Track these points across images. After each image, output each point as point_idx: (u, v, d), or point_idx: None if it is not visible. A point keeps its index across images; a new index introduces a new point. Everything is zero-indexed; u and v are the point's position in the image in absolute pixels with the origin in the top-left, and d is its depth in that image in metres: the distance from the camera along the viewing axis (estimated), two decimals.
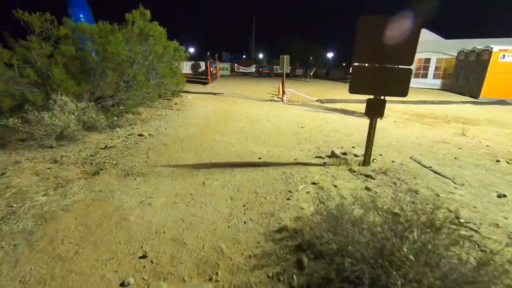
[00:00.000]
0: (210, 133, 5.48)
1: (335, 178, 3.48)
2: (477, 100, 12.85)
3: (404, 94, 3.69)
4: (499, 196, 3.17)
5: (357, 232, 1.73)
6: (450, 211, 2.78)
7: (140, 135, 5.20)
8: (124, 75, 6.41)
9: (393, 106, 9.69)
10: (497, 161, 4.34)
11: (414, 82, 18.19)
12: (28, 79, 5.09)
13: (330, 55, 37.12)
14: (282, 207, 2.80)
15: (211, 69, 15.33)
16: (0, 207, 2.67)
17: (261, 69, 25.47)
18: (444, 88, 17.18)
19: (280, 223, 2.50)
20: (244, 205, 2.84)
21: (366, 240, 1.67)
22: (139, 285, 1.82)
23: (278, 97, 11.57)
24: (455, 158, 4.47)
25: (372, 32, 3.51)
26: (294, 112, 8.12)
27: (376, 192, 3.19)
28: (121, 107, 6.61)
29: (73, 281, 1.84)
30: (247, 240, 2.28)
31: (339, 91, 14.55)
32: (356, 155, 4.35)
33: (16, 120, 4.50)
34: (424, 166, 4.06)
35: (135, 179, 3.39)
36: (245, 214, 2.68)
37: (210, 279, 1.88)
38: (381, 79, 3.65)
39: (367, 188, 3.24)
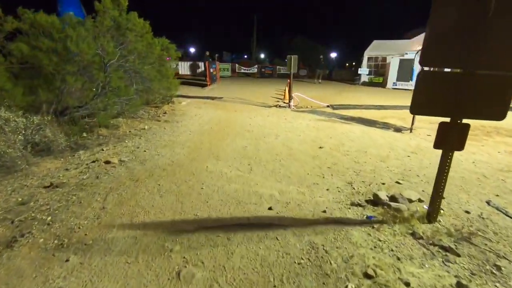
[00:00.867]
0: (201, 158, 4.08)
1: (398, 259, 2.07)
2: None
3: (501, 116, 2.27)
4: None
5: None
6: None
7: (107, 162, 3.81)
8: (96, 81, 5.03)
9: (405, 112, 8.28)
10: None
11: None
12: None
13: (333, 55, 35.72)
14: None
15: (211, 70, 13.92)
16: None
17: (263, 70, 24.05)
18: None
19: None
20: None
21: None
22: None
23: (284, 102, 10.17)
24: None
25: (459, 12, 2.10)
26: (305, 122, 6.71)
27: None
28: (94, 119, 5.23)
29: None
30: None
31: (349, 94, 13.11)
32: (410, 200, 2.94)
33: None
34: None
35: (67, 260, 2.00)
36: None
37: None
38: (465, 92, 2.25)
39: (460, 286, 1.83)
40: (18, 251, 2.09)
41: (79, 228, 2.38)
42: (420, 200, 2.98)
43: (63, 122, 4.96)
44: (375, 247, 2.20)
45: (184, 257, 2.04)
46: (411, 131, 6.31)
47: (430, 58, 2.32)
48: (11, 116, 3.80)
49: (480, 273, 1.97)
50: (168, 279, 1.84)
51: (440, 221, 2.59)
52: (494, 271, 1.98)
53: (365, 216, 2.66)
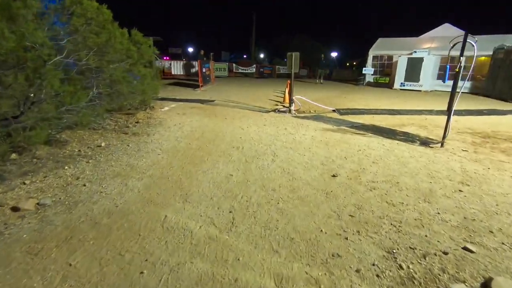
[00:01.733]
0: (161, 199, 2.72)
1: None
2: None
3: None
4: None
5: None
6: None
7: (16, 208, 2.45)
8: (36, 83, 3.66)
9: (434, 119, 6.91)
10: None
11: (438, 85, 15.34)
12: None
13: (334, 54, 34.37)
14: None
15: (203, 70, 12.54)
16: None
17: (261, 70, 22.65)
18: (475, 91, 14.33)
19: None
20: None
21: None
22: None
23: (284, 106, 8.81)
24: None
25: None
26: (310, 133, 5.34)
27: None
28: (30, 132, 3.87)
29: None
30: None
31: (355, 96, 11.70)
32: None
33: None
34: None
35: None
36: None
37: None
38: None
39: None
40: None
41: None
42: None
43: None
44: None
45: None
46: (442, 145, 4.95)
47: None
48: None
49: None
50: None
51: None
52: None
53: None
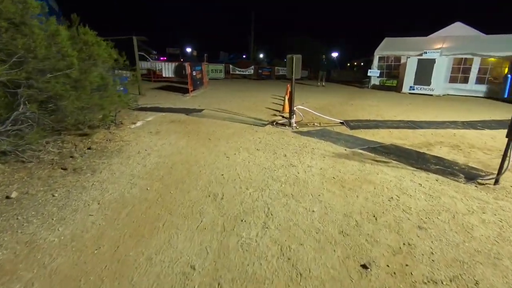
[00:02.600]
0: None
1: None
2: None
3: None
4: None
5: None
6: None
7: None
8: None
9: (463, 135, 5.40)
10: None
11: (450, 88, 13.92)
12: None
13: (335, 54, 32.94)
14: None
15: (193, 73, 11.13)
16: None
17: (260, 71, 21.21)
18: (490, 95, 12.95)
19: None
20: None
21: None
22: None
23: (284, 116, 7.42)
24: None
25: None
26: (317, 164, 3.94)
27: None
28: None
29: None
30: None
31: (364, 103, 10.15)
32: None
33: None
34: None
35: None
36: None
37: None
38: None
39: None
40: None
41: None
42: None
43: None
44: None
45: None
46: (496, 182, 3.57)
47: None
48: None
49: None
50: None
51: None
52: None
53: None
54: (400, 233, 2.38)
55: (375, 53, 15.78)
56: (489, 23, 16.78)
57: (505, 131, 3.41)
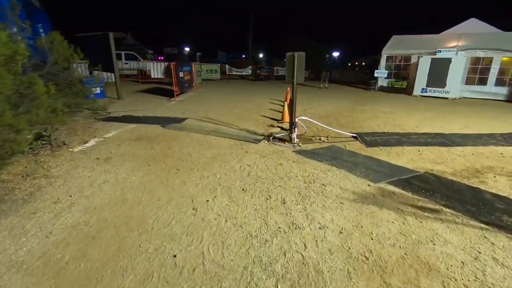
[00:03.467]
0: None
1: None
2: None
3: None
4: None
5: None
6: None
7: None
8: None
9: (499, 155, 3.93)
10: None
11: (466, 91, 12.42)
12: None
13: (336, 54, 31.37)
14: None
15: (180, 75, 9.65)
16: None
17: (258, 71, 19.69)
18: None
19: None
20: None
21: None
22: None
23: (283, 128, 5.97)
24: None
25: None
26: (334, 220, 2.49)
27: None
28: None
29: None
30: None
31: (375, 108, 8.48)
32: None
33: None
34: None
35: None
36: None
37: None
38: None
39: None
40: None
41: None
42: None
43: None
44: None
45: None
46: None
47: None
48: None
49: None
50: None
51: None
52: None
53: None
54: None
55: (383, 52, 14.27)
56: (506, 19, 15.19)
57: None
